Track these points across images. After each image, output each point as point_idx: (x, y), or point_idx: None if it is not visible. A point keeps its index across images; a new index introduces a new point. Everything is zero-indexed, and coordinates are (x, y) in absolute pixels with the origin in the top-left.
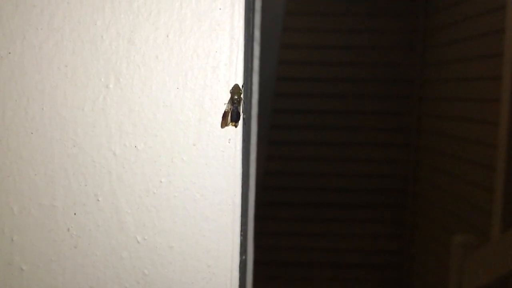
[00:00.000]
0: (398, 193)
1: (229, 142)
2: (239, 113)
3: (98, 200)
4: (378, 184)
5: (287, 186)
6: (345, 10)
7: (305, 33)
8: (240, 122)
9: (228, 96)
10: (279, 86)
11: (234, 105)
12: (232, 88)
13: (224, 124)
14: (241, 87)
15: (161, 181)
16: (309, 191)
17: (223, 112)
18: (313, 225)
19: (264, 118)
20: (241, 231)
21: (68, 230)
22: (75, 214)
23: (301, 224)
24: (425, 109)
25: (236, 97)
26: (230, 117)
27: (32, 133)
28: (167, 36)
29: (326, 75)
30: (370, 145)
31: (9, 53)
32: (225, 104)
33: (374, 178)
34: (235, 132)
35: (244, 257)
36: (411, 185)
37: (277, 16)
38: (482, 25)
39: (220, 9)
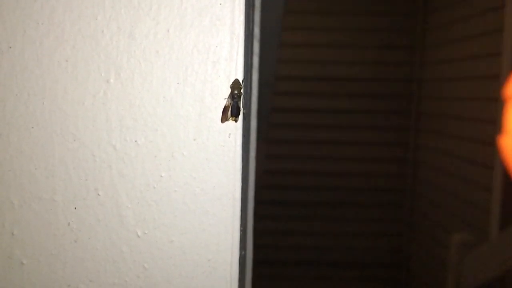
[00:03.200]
0: (396, 191)
1: (229, 137)
2: (239, 108)
3: (98, 195)
4: (376, 183)
5: (285, 185)
6: (344, 9)
7: (304, 32)
8: (240, 117)
9: (228, 91)
10: (278, 85)
11: (234, 100)
12: (232, 83)
13: (224, 118)
14: (241, 82)
15: (161, 176)
16: (308, 190)
17: (223, 107)
18: (311, 224)
19: (263, 117)
20: (240, 226)
21: (69, 224)
22: (75, 208)
23: (299, 222)
24: (424, 108)
25: (236, 92)
26: (230, 111)
27: (32, 127)
28: (168, 31)
29: (325, 74)
30: (369, 144)
31: (10, 47)
32: (225, 99)
33: (372, 177)
34: (235, 127)
35: (243, 252)
36: (410, 183)
37: (277, 15)
38: (481, 24)
39: (220, 4)
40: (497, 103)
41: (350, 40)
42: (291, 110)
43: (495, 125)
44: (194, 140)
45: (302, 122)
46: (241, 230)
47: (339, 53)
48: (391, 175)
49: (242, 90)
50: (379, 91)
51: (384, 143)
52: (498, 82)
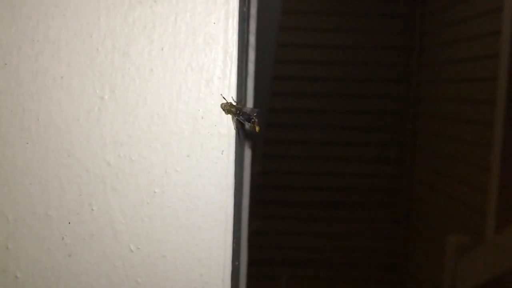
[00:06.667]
0: (393, 192)
1: (222, 154)
2: (246, 121)
3: (92, 210)
4: (373, 184)
5: (284, 185)
6: (343, 10)
7: (303, 32)
8: (233, 134)
9: (220, 109)
10: (275, 85)
11: (240, 116)
12: (225, 107)
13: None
14: (229, 101)
15: (154, 192)
16: (305, 190)
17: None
18: (308, 224)
19: (261, 117)
20: (234, 238)
21: (63, 238)
22: (69, 223)
23: (296, 223)
24: (421, 109)
25: (233, 109)
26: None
27: (27, 143)
28: (162, 49)
29: (323, 74)
30: (366, 144)
31: (5, 64)
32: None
33: (369, 178)
34: (228, 144)
35: (237, 263)
36: (406, 185)
37: (274, 16)
38: (479, 26)
39: (214, 23)
40: (494, 105)
41: (348, 40)
42: (291, 110)
43: (492, 127)
44: (188, 156)
45: (301, 122)
46: (234, 243)
47: (337, 54)
48: (388, 175)
49: (233, 107)
50: (377, 92)
51: (381, 143)
52: (495, 84)
